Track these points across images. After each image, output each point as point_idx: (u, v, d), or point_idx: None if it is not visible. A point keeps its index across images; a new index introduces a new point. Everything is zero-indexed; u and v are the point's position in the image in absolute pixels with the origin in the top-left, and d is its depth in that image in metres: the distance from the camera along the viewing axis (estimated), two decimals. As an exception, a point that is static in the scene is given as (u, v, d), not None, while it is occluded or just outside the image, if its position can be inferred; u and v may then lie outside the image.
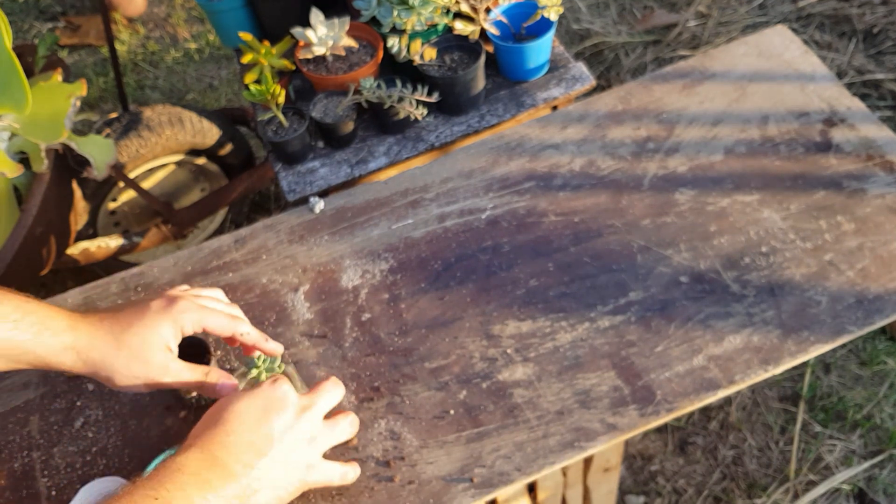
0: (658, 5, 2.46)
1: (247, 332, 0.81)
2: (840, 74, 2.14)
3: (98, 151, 1.48)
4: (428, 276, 0.97)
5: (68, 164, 1.52)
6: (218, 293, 0.85)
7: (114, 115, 1.75)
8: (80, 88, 1.38)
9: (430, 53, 1.17)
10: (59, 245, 1.57)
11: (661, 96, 1.10)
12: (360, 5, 1.23)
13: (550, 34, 1.19)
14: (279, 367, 0.82)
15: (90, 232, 1.76)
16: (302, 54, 1.24)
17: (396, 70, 1.25)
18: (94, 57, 2.68)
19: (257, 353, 0.83)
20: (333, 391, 0.77)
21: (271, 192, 2.19)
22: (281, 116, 1.19)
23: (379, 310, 0.95)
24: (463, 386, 0.87)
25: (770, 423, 1.66)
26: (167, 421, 0.89)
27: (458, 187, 1.05)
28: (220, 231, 2.02)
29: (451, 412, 0.85)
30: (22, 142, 1.39)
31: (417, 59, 1.18)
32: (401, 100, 1.15)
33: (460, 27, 1.17)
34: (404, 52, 1.19)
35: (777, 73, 1.10)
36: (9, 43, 1.22)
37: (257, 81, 1.19)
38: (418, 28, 1.19)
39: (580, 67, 1.25)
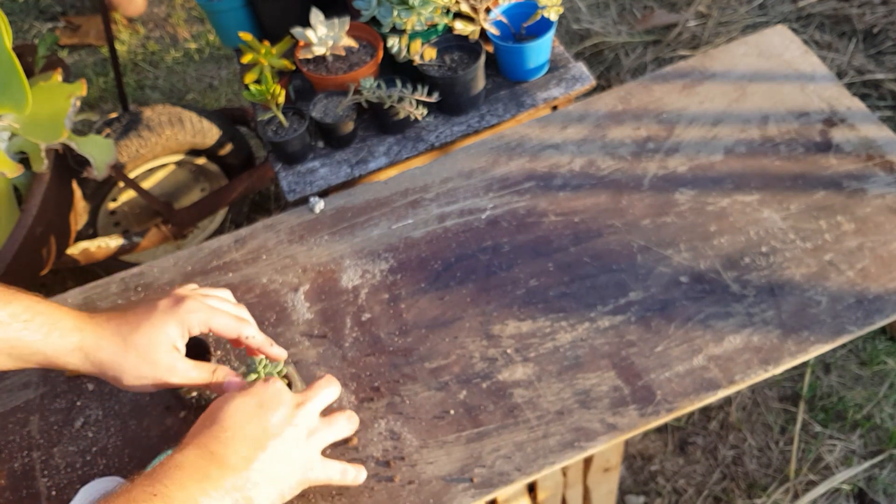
0: (658, 5, 2.46)
1: (252, 335, 0.81)
2: (840, 74, 2.14)
3: (98, 151, 1.48)
4: (428, 276, 0.97)
5: (68, 164, 1.52)
6: (226, 293, 0.85)
7: (114, 115, 1.75)
8: (80, 88, 1.38)
9: (430, 53, 1.17)
10: (59, 245, 1.57)
11: (661, 96, 1.10)
12: (360, 5, 1.23)
13: (550, 34, 1.19)
14: (280, 372, 0.82)
15: (90, 232, 1.76)
16: (302, 54, 1.24)
17: (396, 70, 1.25)
18: (94, 57, 2.68)
19: (260, 357, 0.83)
20: (329, 389, 0.77)
21: (271, 192, 2.19)
22: (281, 116, 1.19)
23: (379, 310, 0.95)
24: (463, 386, 0.87)
25: (770, 423, 1.66)
26: (167, 421, 0.89)
27: (458, 187, 1.05)
28: (220, 231, 2.02)
29: (451, 412, 0.85)
30: (22, 142, 1.39)
31: (417, 59, 1.18)
32: (401, 100, 1.15)
33: (460, 27, 1.17)
34: (404, 52, 1.19)
35: (777, 73, 1.10)
36: (9, 43, 1.22)
37: (257, 81, 1.19)
38: (418, 28, 1.19)
39: (580, 67, 1.25)
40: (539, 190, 1.02)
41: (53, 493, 0.85)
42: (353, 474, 0.77)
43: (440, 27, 1.21)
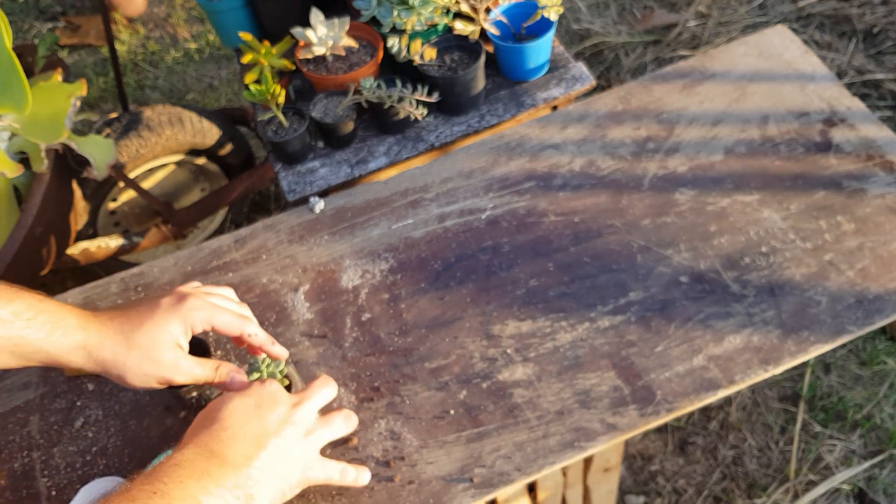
0: (658, 5, 2.46)
1: (254, 333, 0.81)
2: (840, 74, 2.14)
3: (98, 151, 1.48)
4: (428, 276, 0.97)
5: (68, 164, 1.52)
6: (228, 291, 0.85)
7: (114, 115, 1.75)
8: (80, 88, 1.38)
9: (430, 53, 1.17)
10: (59, 245, 1.57)
11: (661, 96, 1.10)
12: (360, 5, 1.23)
13: (550, 34, 1.19)
14: (281, 371, 0.82)
15: (90, 232, 1.76)
16: (302, 54, 1.24)
17: (396, 70, 1.25)
18: (94, 57, 2.68)
19: (262, 356, 0.83)
20: (325, 388, 0.78)
21: (271, 192, 2.19)
22: (281, 116, 1.19)
23: (379, 310, 0.95)
24: (463, 386, 0.87)
25: (770, 423, 1.66)
26: (167, 421, 0.89)
27: (458, 187, 1.05)
28: (220, 231, 2.02)
29: (451, 412, 0.85)
30: (22, 142, 1.39)
31: (417, 59, 1.18)
32: (401, 100, 1.16)
33: (460, 27, 1.17)
34: (404, 52, 1.19)
35: (777, 73, 1.10)
36: (9, 43, 1.22)
37: (257, 81, 1.19)
38: (418, 28, 1.19)
39: (580, 67, 1.25)
40: (539, 190, 1.02)
41: (53, 493, 0.85)
42: (353, 474, 0.77)
43: (440, 27, 1.21)
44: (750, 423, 1.66)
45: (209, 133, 1.75)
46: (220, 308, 0.79)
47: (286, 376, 0.83)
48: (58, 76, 1.47)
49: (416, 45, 1.18)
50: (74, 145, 1.42)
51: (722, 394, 0.84)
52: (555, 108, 1.25)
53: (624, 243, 0.96)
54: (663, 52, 2.32)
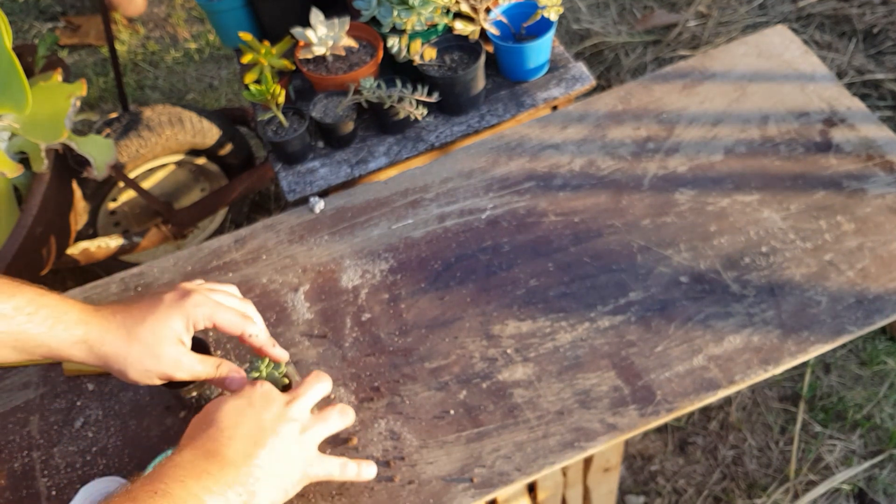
0: (658, 5, 2.46)
1: (255, 333, 0.81)
2: (840, 74, 2.14)
3: (98, 151, 1.48)
4: (428, 276, 0.97)
5: (68, 164, 1.52)
6: (232, 289, 0.85)
7: (114, 115, 1.75)
8: (80, 88, 1.38)
9: (430, 53, 1.17)
10: (59, 245, 1.57)
11: (661, 96, 1.10)
12: (360, 5, 1.23)
13: (550, 34, 1.19)
14: (281, 372, 0.82)
15: (90, 232, 1.76)
16: (302, 54, 1.24)
17: (396, 70, 1.25)
18: (94, 57, 2.68)
19: (264, 357, 0.83)
20: (318, 385, 0.78)
21: (271, 192, 2.19)
22: (281, 116, 1.19)
23: (379, 310, 0.95)
24: (463, 386, 0.87)
25: (770, 423, 1.66)
26: (167, 421, 0.89)
27: (458, 187, 1.05)
28: (220, 231, 2.02)
29: (451, 412, 0.85)
30: (22, 142, 1.39)
31: (417, 59, 1.18)
32: (401, 100, 1.16)
33: (460, 27, 1.17)
34: (404, 52, 1.19)
35: (777, 73, 1.10)
36: (9, 43, 1.22)
37: (257, 81, 1.19)
38: (418, 28, 1.19)
39: (580, 67, 1.25)
40: (539, 190, 1.02)
41: (53, 493, 0.85)
42: (353, 469, 0.77)
43: (440, 27, 1.21)
44: (750, 423, 1.66)
45: (209, 133, 1.75)
46: (223, 306, 0.79)
47: (286, 376, 0.83)
48: (58, 76, 1.47)
49: (416, 45, 1.18)
50: (74, 145, 1.42)
51: (722, 394, 0.84)
52: (555, 108, 1.25)
53: (624, 243, 0.96)
54: (663, 52, 2.32)
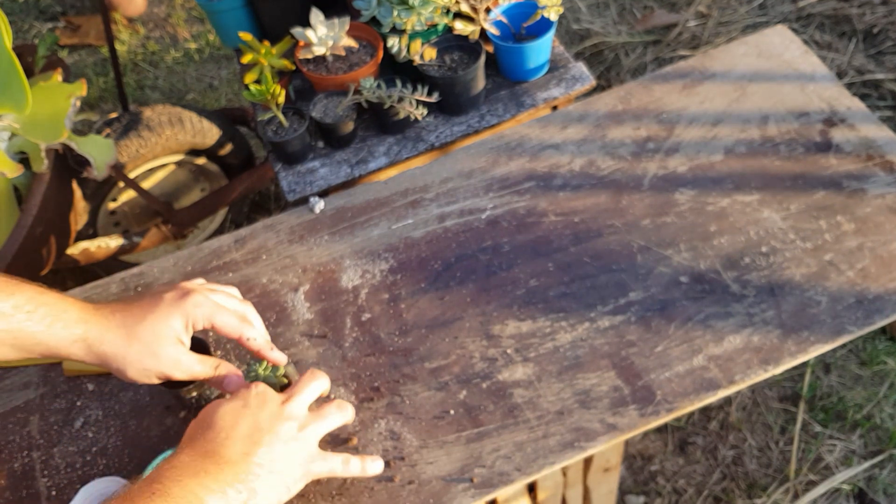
0: (658, 5, 2.46)
1: (253, 337, 0.81)
2: (840, 74, 2.14)
3: (98, 151, 1.48)
4: (428, 276, 0.97)
5: (68, 164, 1.52)
6: (233, 290, 0.85)
7: (114, 115, 1.75)
8: (80, 88, 1.38)
9: (430, 53, 1.17)
10: (59, 245, 1.57)
11: (661, 96, 1.10)
12: (360, 5, 1.23)
13: (550, 34, 1.19)
14: (278, 374, 0.82)
15: (90, 232, 1.76)
16: (302, 54, 1.24)
17: (396, 70, 1.25)
18: (94, 57, 2.68)
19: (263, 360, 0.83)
20: (315, 382, 0.78)
21: (271, 192, 2.19)
22: (281, 116, 1.19)
23: (379, 310, 0.95)
24: (463, 386, 0.87)
25: (770, 423, 1.66)
26: (167, 421, 0.89)
27: (458, 187, 1.05)
28: (220, 231, 2.02)
29: (451, 412, 0.85)
30: (22, 142, 1.39)
31: (417, 59, 1.18)
32: (401, 100, 1.16)
33: (460, 27, 1.17)
34: (404, 52, 1.19)
35: (777, 73, 1.10)
36: (9, 43, 1.22)
37: (257, 81, 1.19)
38: (418, 28, 1.19)
39: (580, 67, 1.25)
40: (539, 190, 1.02)
41: (53, 493, 0.85)
42: (356, 464, 0.77)
43: (440, 27, 1.21)
44: (750, 423, 1.66)
45: (209, 133, 1.75)
46: (223, 307, 0.79)
47: (286, 376, 0.83)
48: (58, 76, 1.47)
49: (416, 45, 1.18)
50: (74, 145, 1.42)
51: (722, 394, 0.84)
52: (555, 108, 1.25)
53: (624, 243, 0.96)
54: (663, 52, 2.32)
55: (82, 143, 1.44)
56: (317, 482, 0.81)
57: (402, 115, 1.18)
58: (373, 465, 0.79)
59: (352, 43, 1.24)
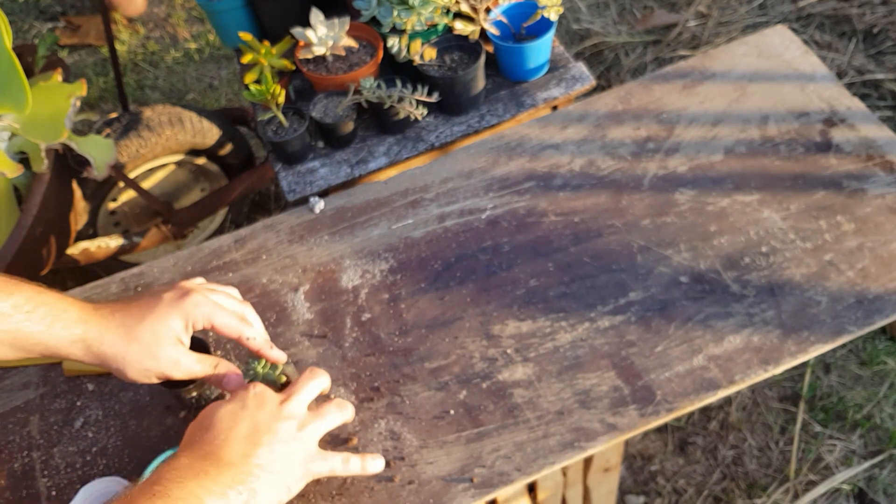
0: (658, 5, 2.46)
1: (252, 336, 0.81)
2: (840, 74, 2.14)
3: (98, 151, 1.48)
4: (428, 276, 0.97)
5: (68, 164, 1.52)
6: (232, 290, 0.85)
7: (114, 115, 1.75)
8: (80, 88, 1.38)
9: (430, 53, 1.17)
10: (59, 245, 1.57)
11: (661, 96, 1.10)
12: (360, 5, 1.23)
13: (550, 34, 1.19)
14: (278, 373, 0.82)
15: (90, 232, 1.76)
16: (302, 54, 1.24)
17: (396, 70, 1.25)
18: (94, 57, 2.68)
19: (262, 359, 0.83)
20: (314, 381, 0.78)
21: (271, 192, 2.19)
22: (281, 116, 1.19)
23: (379, 310, 0.95)
24: (463, 386, 0.87)
25: (770, 423, 1.66)
26: (167, 421, 0.89)
27: (458, 187, 1.05)
28: (220, 231, 2.02)
29: (451, 412, 0.85)
30: (22, 142, 1.39)
31: (417, 59, 1.18)
32: (401, 100, 1.16)
33: (460, 27, 1.17)
34: (404, 52, 1.19)
35: (777, 73, 1.10)
36: (9, 43, 1.22)
37: (257, 81, 1.19)
38: (418, 28, 1.19)
39: (580, 67, 1.25)
40: (539, 190, 1.02)
41: (53, 493, 0.85)
42: (357, 463, 0.77)
43: (440, 27, 1.21)
44: (750, 423, 1.66)
45: (209, 133, 1.75)
46: (222, 307, 0.79)
47: (285, 375, 0.83)
48: (58, 76, 1.47)
49: (416, 45, 1.18)
50: (74, 145, 1.42)
51: (722, 394, 0.84)
52: (555, 108, 1.25)
53: (624, 243, 0.96)
54: (663, 52, 2.32)
55: (82, 143, 1.44)
56: (317, 482, 0.81)
57: (402, 115, 1.18)
58: (373, 464, 0.79)
59: (352, 43, 1.24)
